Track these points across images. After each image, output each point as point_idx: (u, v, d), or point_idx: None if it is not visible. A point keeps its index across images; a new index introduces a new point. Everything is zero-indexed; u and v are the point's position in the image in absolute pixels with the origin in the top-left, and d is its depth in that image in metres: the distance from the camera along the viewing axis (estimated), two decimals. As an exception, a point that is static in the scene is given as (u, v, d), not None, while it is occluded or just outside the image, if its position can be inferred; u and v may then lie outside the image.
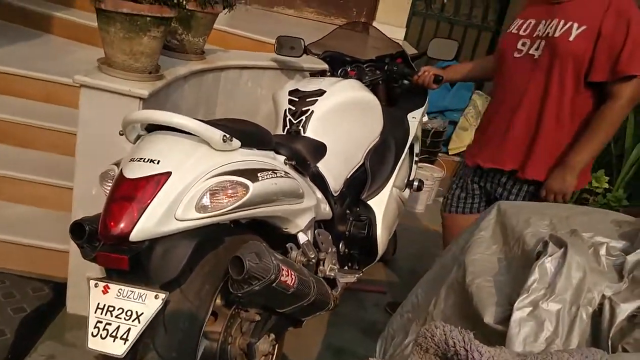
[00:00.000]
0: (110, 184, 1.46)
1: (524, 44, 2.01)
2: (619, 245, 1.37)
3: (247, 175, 1.42)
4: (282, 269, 1.43)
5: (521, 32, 2.03)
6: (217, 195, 1.37)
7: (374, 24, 4.92)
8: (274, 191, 1.50)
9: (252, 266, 1.33)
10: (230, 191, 1.39)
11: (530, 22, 2.02)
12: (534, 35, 1.98)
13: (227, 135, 1.41)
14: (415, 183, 2.62)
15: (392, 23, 4.86)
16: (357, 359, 2.22)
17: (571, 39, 1.86)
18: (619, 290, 1.23)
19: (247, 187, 1.40)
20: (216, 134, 1.39)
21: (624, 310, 1.18)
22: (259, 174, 1.45)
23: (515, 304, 1.16)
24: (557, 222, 1.44)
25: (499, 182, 2.12)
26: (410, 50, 3.93)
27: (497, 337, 1.14)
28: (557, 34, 1.90)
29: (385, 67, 2.54)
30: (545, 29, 1.95)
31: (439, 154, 4.60)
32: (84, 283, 2.08)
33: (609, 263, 1.31)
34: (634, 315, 1.18)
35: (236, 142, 1.45)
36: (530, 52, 1.98)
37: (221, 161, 1.41)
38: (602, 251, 1.32)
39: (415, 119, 2.59)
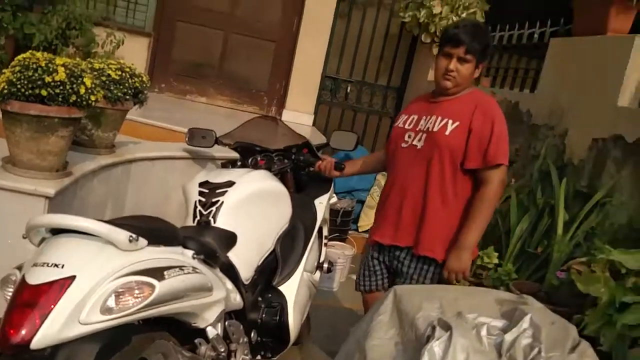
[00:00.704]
0: (12, 290, 1.45)
1: (409, 136, 2.28)
2: (500, 325, 1.53)
3: (153, 274, 1.46)
4: (190, 368, 1.46)
5: (406, 126, 2.31)
6: (122, 296, 1.40)
7: (285, 111, 5.20)
8: (181, 288, 1.55)
9: (158, 367, 1.35)
10: (136, 291, 1.43)
11: (414, 118, 2.31)
12: (417, 129, 2.27)
13: (134, 236, 1.46)
14: (326, 265, 2.73)
15: (301, 110, 5.15)
16: None
17: (447, 133, 2.16)
18: (498, 369, 1.36)
19: (153, 287, 1.44)
20: (121, 235, 1.44)
21: (503, 387, 1.30)
22: (165, 272, 1.50)
23: None
24: (446, 305, 1.58)
25: (398, 258, 2.31)
26: (318, 136, 4.18)
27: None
28: (435, 129, 2.19)
29: (293, 157, 2.70)
30: (426, 124, 2.23)
31: (349, 232, 4.78)
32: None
33: (490, 342, 1.46)
34: (512, 390, 1.31)
35: (142, 241, 1.50)
36: (414, 142, 2.26)
37: (127, 261, 1.45)
38: (483, 332, 1.47)
39: (322, 203, 2.73)
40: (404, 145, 2.29)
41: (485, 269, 2.70)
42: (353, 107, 5.58)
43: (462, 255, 2.15)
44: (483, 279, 2.75)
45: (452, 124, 2.16)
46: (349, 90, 5.53)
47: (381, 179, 4.99)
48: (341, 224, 4.56)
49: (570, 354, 1.45)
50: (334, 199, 3.05)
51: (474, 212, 2.15)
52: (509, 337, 1.41)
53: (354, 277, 4.05)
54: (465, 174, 2.19)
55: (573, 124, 3.36)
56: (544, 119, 3.66)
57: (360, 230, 4.92)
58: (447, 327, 1.38)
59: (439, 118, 2.20)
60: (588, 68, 3.35)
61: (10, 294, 1.45)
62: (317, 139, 3.27)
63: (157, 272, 1.48)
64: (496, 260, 2.80)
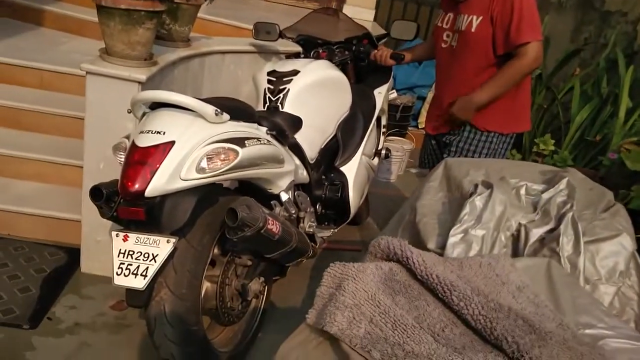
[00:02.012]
0: (123, 154, 1.76)
1: (447, 36, 2.42)
2: (539, 188, 1.70)
3: (236, 142, 1.73)
4: (268, 219, 1.74)
5: (444, 25, 2.41)
6: (212, 159, 1.68)
7: (345, 6, 5.20)
8: (259, 156, 1.81)
9: (244, 215, 1.64)
10: (223, 156, 1.70)
11: (450, 16, 2.42)
12: (453, 29, 2.38)
13: (219, 110, 1.71)
14: (383, 152, 2.95)
15: (362, 5, 5.15)
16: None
17: (473, 29, 2.27)
18: (532, 219, 1.57)
19: (237, 152, 1.71)
20: (209, 109, 1.69)
21: (535, 234, 1.52)
22: (246, 141, 1.76)
23: (451, 232, 1.49)
24: (491, 172, 1.77)
25: (447, 139, 2.53)
26: (379, 31, 4.22)
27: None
28: (464, 27, 2.30)
29: (353, 48, 2.84)
30: (458, 24, 2.34)
31: (409, 128, 4.93)
32: (95, 247, 2.40)
33: (527, 200, 1.65)
34: (543, 238, 1.52)
35: (226, 116, 1.75)
36: (452, 43, 2.39)
37: (215, 131, 1.71)
38: (522, 191, 1.65)
39: (381, 94, 2.89)
40: (443, 45, 2.43)
41: (540, 155, 2.81)
42: (416, 0, 5.50)
43: (467, 106, 2.32)
44: (537, 164, 2.88)
45: (477, 19, 2.25)
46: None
47: (442, 74, 5.03)
48: (401, 119, 4.70)
49: (603, 212, 1.63)
50: (394, 95, 3.19)
51: (494, 76, 2.28)
52: (545, 195, 1.59)
53: (412, 170, 4.29)
54: (501, 60, 2.28)
55: (648, 9, 3.27)
56: (618, 5, 3.54)
57: (420, 126, 5.04)
58: (488, 186, 1.58)
59: (465, 16, 2.30)
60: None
61: (121, 157, 1.76)
62: (377, 32, 3.35)
63: (240, 141, 1.74)
64: (552, 147, 2.91)
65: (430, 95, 5.03)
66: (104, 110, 2.20)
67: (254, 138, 1.81)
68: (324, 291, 1.08)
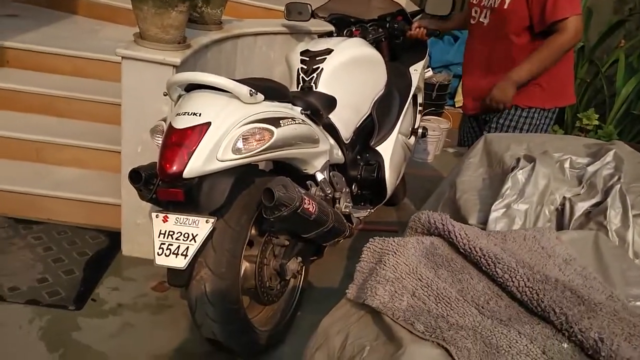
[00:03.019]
0: (160, 137, 1.77)
1: (476, 12, 2.34)
2: (584, 161, 1.65)
3: (271, 122, 1.72)
4: (305, 199, 1.74)
5: (473, 1, 2.32)
6: (248, 139, 1.68)
7: (377, -16, 5.11)
8: (293, 135, 1.80)
9: (280, 195, 1.64)
10: (258, 136, 1.69)
11: None
12: (482, 5, 2.30)
13: (253, 90, 1.70)
14: (420, 130, 2.90)
15: (394, -18, 5.03)
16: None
17: (506, 6, 2.19)
18: (578, 193, 1.52)
19: (272, 132, 1.70)
20: (244, 89, 1.69)
21: (581, 207, 1.47)
22: (280, 121, 1.75)
23: (492, 207, 1.45)
24: (533, 146, 1.71)
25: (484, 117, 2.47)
26: (412, 8, 4.14)
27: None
28: (496, 4, 2.22)
29: (387, 25, 2.78)
30: (489, 0, 2.25)
31: (445, 107, 4.84)
32: (135, 230, 2.44)
33: (572, 174, 1.59)
34: (588, 212, 1.47)
35: (260, 96, 1.75)
36: (481, 19, 2.32)
37: (249, 112, 1.71)
38: (567, 164, 1.60)
39: (417, 71, 2.84)
40: (472, 22, 2.36)
41: (584, 130, 2.72)
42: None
43: (507, 87, 2.24)
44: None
45: None
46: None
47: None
48: (437, 98, 4.62)
49: (652, 185, 1.56)
50: (430, 73, 3.13)
51: (534, 53, 2.19)
52: (591, 168, 1.54)
53: (450, 150, 4.21)
54: (538, 38, 2.21)
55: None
56: (663, -28, 3.39)
57: (456, 105, 4.95)
58: (530, 160, 1.54)
59: None
60: None
61: (158, 140, 1.78)
62: (411, 9, 3.28)
63: (275, 121, 1.73)
64: (596, 122, 2.81)
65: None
66: (140, 95, 2.23)
67: (289, 118, 1.80)
68: (364, 266, 1.07)
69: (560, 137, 1.89)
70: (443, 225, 1.07)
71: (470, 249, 1.02)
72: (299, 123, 1.84)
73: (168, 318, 2.15)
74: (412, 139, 2.93)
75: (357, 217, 2.43)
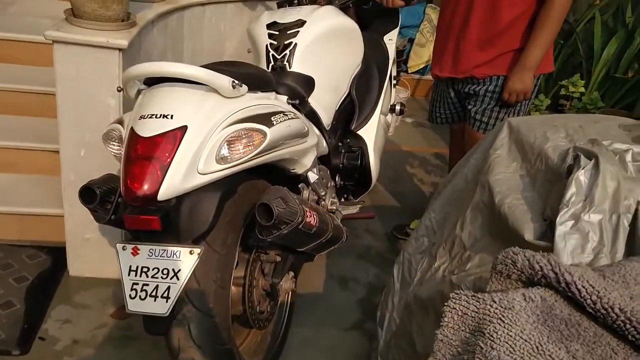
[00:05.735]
0: (116, 145, 1.40)
1: None
2: (638, 150, 1.40)
3: (261, 121, 1.38)
4: (306, 211, 1.43)
5: None
6: (234, 144, 1.34)
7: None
8: (288, 134, 1.48)
9: (280, 212, 1.32)
10: (246, 140, 1.36)
11: None
12: None
13: (236, 81, 1.36)
14: (398, 107, 2.63)
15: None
16: (359, 284, 2.30)
17: None
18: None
19: (264, 134, 1.36)
20: (225, 81, 1.34)
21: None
22: (272, 118, 1.42)
23: (557, 219, 1.17)
24: (573, 133, 1.46)
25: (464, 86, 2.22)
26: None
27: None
28: None
29: None
30: None
31: (400, 73, 4.59)
32: (84, 246, 2.05)
33: (635, 169, 1.35)
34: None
35: (244, 88, 1.40)
36: None
37: (233, 108, 1.37)
38: (628, 157, 1.35)
39: (392, 40, 2.55)
40: None
41: (568, 98, 2.54)
42: None
43: (524, 76, 2.05)
44: (565, 109, 2.62)
45: None
46: None
47: (431, 12, 4.67)
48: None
49: None
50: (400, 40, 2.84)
51: (536, 30, 2.00)
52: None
53: (408, 120, 3.96)
54: None
55: None
56: None
57: (410, 71, 4.72)
58: (589, 156, 1.28)
59: None
60: None
61: (114, 148, 1.41)
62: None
63: (265, 119, 1.40)
64: (582, 89, 2.63)
65: (420, 37, 4.69)
66: (79, 86, 1.80)
67: (280, 112, 1.47)
68: (450, 335, 0.78)
69: (593, 118, 1.66)
70: (556, 274, 0.80)
71: (605, 310, 0.76)
72: (292, 118, 1.51)
73: (135, 353, 1.81)
74: (390, 116, 2.67)
75: (343, 215, 2.16)
